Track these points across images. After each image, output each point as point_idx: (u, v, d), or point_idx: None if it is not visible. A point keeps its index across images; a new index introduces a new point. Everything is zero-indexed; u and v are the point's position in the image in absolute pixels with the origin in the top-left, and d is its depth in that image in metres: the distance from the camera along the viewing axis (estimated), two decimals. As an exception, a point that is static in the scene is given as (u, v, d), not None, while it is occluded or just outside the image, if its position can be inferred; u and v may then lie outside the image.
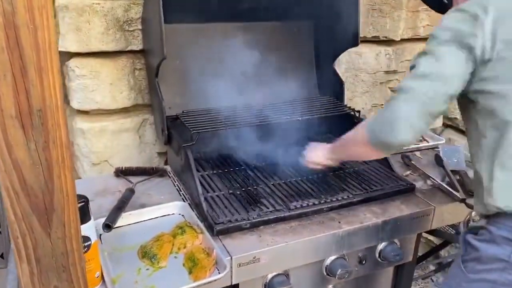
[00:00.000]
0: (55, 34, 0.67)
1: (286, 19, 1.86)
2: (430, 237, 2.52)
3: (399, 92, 1.10)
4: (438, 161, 1.76)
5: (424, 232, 1.57)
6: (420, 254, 1.89)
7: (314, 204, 1.40)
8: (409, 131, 1.07)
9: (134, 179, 1.58)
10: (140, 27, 1.69)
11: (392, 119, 1.08)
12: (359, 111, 1.69)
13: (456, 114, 2.49)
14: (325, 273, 1.40)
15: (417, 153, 1.86)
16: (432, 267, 2.70)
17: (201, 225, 1.29)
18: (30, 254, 0.75)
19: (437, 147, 1.90)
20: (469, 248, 1.15)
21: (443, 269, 2.52)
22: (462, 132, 2.50)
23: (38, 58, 0.67)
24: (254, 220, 1.31)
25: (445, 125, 2.63)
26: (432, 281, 2.73)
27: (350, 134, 1.30)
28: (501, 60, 1.03)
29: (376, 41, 2.23)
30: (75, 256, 0.79)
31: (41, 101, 0.69)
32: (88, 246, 1.05)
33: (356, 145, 1.26)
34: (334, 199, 1.43)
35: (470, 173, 1.70)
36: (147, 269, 1.15)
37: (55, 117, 0.70)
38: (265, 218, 1.33)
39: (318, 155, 1.45)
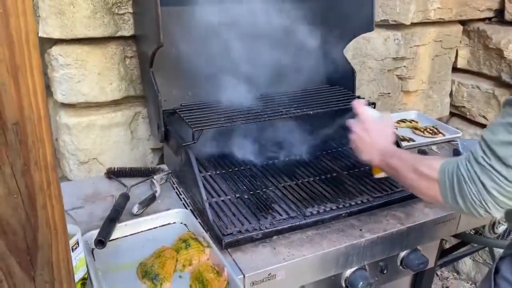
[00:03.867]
0: (34, 22, 0.50)
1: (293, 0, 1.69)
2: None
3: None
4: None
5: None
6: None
7: (331, 209, 1.26)
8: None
9: (127, 181, 1.42)
10: (131, 10, 1.51)
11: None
12: (374, 103, 1.54)
13: (463, 102, 2.37)
14: (344, 285, 1.26)
15: (433, 147, 1.73)
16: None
17: (207, 236, 1.14)
18: (9, 304, 0.59)
19: (454, 141, 1.77)
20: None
21: (448, 263, 2.43)
22: (469, 121, 2.39)
23: (12, 55, 0.50)
24: (266, 230, 1.17)
25: (452, 114, 2.50)
26: (437, 275, 2.64)
27: (414, 161, 1.06)
28: None
29: (384, 25, 2.08)
30: (67, 302, 0.63)
31: (18, 112, 0.52)
32: None
33: (414, 177, 1.03)
34: (353, 203, 1.29)
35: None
36: (149, 292, 1.00)
37: (37, 132, 0.54)
38: (279, 227, 1.19)
39: (368, 148, 1.21)
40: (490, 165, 0.87)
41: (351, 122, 1.27)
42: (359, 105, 1.28)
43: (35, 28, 0.49)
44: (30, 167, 0.55)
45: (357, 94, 1.75)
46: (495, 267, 1.08)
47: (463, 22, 2.28)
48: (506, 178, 0.85)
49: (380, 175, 1.28)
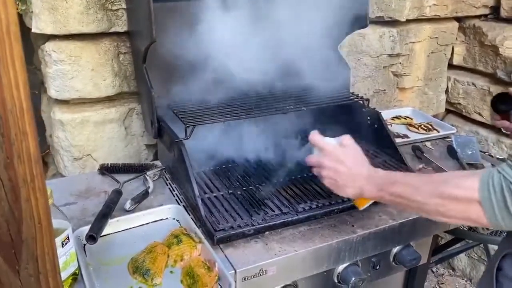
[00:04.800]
0: (15, 13, 0.50)
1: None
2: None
3: None
4: (452, 152, 1.63)
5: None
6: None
7: (324, 205, 1.26)
8: None
9: (121, 177, 1.42)
10: (124, 6, 1.50)
11: None
12: (368, 100, 1.54)
13: (459, 98, 2.37)
14: (336, 281, 1.27)
15: (428, 144, 1.73)
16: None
17: (199, 232, 1.14)
18: (-7, 297, 0.59)
19: (448, 137, 1.77)
20: None
21: (443, 260, 2.44)
22: (465, 118, 2.39)
23: (-7, 47, 0.49)
24: (258, 226, 1.17)
25: (447, 111, 2.51)
26: (432, 272, 2.64)
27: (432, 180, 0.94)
28: None
29: (380, 21, 2.08)
30: (52, 296, 0.63)
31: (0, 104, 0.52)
32: None
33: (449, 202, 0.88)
34: (345, 199, 1.28)
35: (486, 166, 1.58)
36: (140, 287, 1.00)
37: (20, 124, 0.54)
38: (271, 223, 1.19)
39: (348, 179, 1.06)
40: None
41: (313, 158, 1.12)
42: (315, 136, 1.12)
43: (17, 20, 0.49)
44: (14, 160, 0.54)
45: (352, 91, 1.75)
46: (497, 266, 1.05)
47: (458, 19, 2.28)
48: None
49: (367, 205, 1.16)
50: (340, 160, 1.07)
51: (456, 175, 0.95)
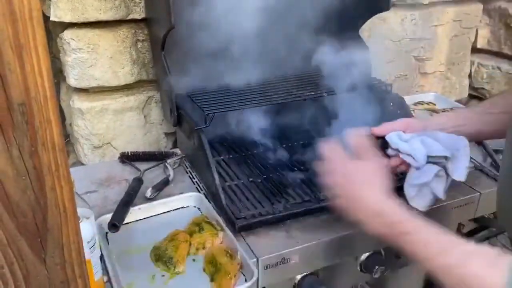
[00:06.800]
0: (37, -2, 0.48)
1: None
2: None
3: None
4: (477, 139, 1.58)
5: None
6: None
7: (346, 193, 1.24)
8: None
9: (141, 165, 1.42)
10: (142, -8, 1.49)
11: None
12: (390, 85, 1.51)
13: (483, 83, 2.30)
14: (359, 269, 1.25)
15: (451, 130, 1.69)
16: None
17: (220, 220, 1.13)
18: (21, 286, 0.59)
19: (472, 123, 1.72)
20: None
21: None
22: (488, 103, 2.32)
23: (16, 32, 0.49)
24: (280, 214, 1.16)
25: (471, 96, 2.44)
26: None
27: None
28: None
29: (401, 5, 2.02)
30: (78, 285, 0.63)
31: (24, 92, 0.51)
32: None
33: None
34: (368, 187, 1.26)
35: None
36: (163, 276, 1.00)
37: (44, 112, 0.53)
38: (293, 211, 1.17)
39: (355, 205, 0.94)
40: None
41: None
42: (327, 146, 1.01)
43: (39, 5, 0.47)
44: (38, 148, 0.54)
45: (373, 76, 1.71)
46: None
47: (483, 1, 2.21)
48: None
49: None
50: (349, 174, 0.94)
51: (477, 267, 0.73)
